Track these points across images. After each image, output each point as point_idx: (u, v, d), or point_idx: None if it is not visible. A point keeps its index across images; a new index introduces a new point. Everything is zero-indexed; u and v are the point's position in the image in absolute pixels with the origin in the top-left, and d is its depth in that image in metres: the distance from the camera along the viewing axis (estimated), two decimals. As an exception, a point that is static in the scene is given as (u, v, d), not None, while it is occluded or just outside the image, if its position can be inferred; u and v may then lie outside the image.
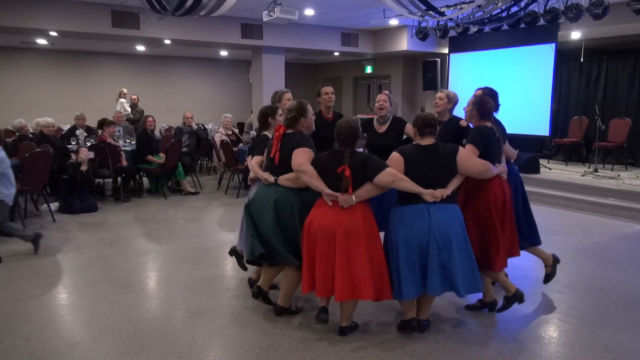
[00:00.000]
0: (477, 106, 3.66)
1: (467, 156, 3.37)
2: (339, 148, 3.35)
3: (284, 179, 3.50)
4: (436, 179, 3.29)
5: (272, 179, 3.56)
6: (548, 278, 4.20)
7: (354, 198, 3.23)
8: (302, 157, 3.37)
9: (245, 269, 4.34)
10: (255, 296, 3.78)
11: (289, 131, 3.59)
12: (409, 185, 3.22)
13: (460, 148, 3.37)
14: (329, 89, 4.67)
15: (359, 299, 3.36)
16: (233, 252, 4.39)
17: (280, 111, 4.05)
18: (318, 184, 3.30)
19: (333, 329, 3.51)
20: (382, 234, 3.46)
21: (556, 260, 4.19)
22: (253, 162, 3.86)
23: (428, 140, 3.36)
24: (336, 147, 3.40)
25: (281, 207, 3.48)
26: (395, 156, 3.35)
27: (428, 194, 3.21)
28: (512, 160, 4.20)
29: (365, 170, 3.24)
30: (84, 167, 7.00)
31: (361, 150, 4.15)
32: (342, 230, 3.20)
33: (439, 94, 4.32)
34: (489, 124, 3.66)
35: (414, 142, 3.46)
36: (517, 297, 3.67)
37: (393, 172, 3.21)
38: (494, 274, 3.68)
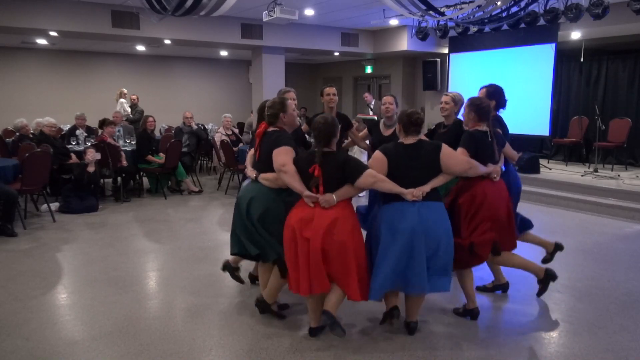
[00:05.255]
0: (475, 107, 3.61)
1: (450, 154, 3.32)
2: (315, 146, 3.29)
3: (264, 178, 3.46)
4: (420, 178, 3.24)
5: (254, 175, 3.54)
6: (544, 261, 4.26)
7: (334, 198, 3.18)
8: (283, 158, 3.30)
9: (242, 282, 4.22)
10: (260, 310, 3.75)
11: (270, 129, 3.52)
12: (389, 186, 3.18)
13: (444, 145, 3.32)
14: (332, 89, 4.66)
15: (339, 298, 3.30)
16: (226, 267, 4.19)
17: None
18: (298, 185, 3.23)
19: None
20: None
21: (558, 246, 4.26)
22: (248, 155, 3.86)
23: (412, 139, 3.31)
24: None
25: (258, 205, 3.44)
26: (378, 155, 3.30)
27: (408, 194, 3.18)
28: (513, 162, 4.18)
29: (345, 173, 3.19)
30: (91, 168, 7.02)
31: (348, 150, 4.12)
32: (322, 230, 3.13)
33: (444, 98, 4.25)
34: (484, 127, 3.61)
35: (398, 141, 3.40)
36: (549, 276, 3.87)
37: (373, 174, 3.17)
38: (514, 262, 3.82)
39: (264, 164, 3.45)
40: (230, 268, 4.14)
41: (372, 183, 3.17)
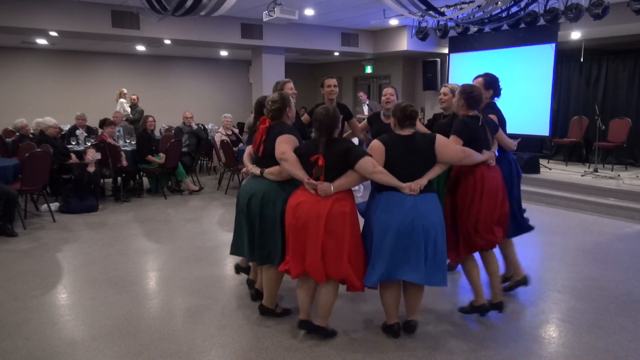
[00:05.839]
0: (465, 95, 3.62)
1: (445, 143, 3.34)
2: (316, 136, 3.31)
3: (269, 173, 3.45)
4: (417, 170, 3.26)
5: (257, 171, 3.51)
6: (507, 288, 4.10)
7: (332, 187, 3.19)
8: (284, 145, 3.32)
9: (253, 282, 4.19)
10: (261, 313, 3.75)
11: (274, 123, 3.54)
12: (388, 178, 3.19)
13: (438, 136, 3.34)
14: (333, 81, 4.69)
15: (335, 296, 3.34)
16: (239, 269, 4.30)
17: None
18: (299, 172, 3.26)
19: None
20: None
21: (525, 281, 4.09)
22: (245, 153, 3.84)
23: (407, 131, 3.32)
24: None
25: (266, 201, 3.42)
26: (375, 144, 3.30)
27: (406, 187, 3.19)
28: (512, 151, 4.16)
29: (348, 157, 3.20)
30: (91, 168, 7.02)
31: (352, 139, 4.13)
32: (319, 217, 3.15)
33: (443, 90, 4.26)
34: (474, 114, 3.61)
35: (393, 132, 3.39)
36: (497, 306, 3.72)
37: (374, 163, 3.18)
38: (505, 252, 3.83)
39: (270, 157, 3.43)
40: (242, 269, 4.24)
41: (372, 172, 3.18)
